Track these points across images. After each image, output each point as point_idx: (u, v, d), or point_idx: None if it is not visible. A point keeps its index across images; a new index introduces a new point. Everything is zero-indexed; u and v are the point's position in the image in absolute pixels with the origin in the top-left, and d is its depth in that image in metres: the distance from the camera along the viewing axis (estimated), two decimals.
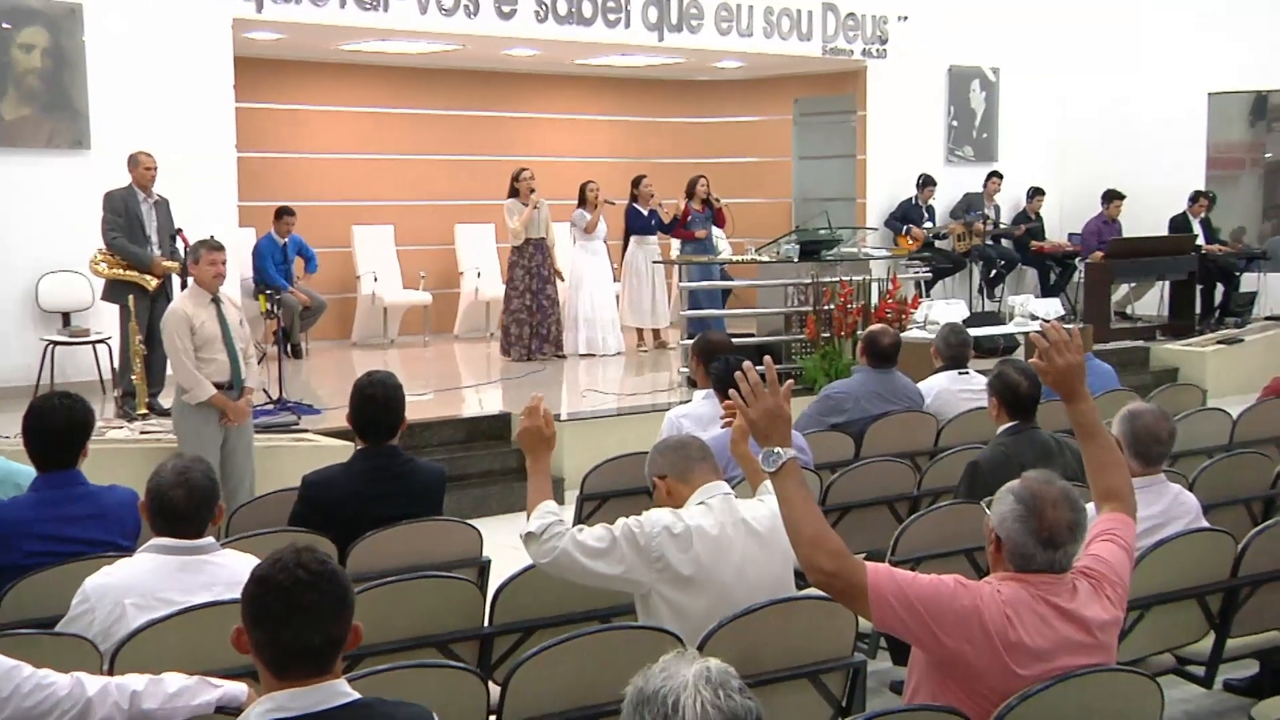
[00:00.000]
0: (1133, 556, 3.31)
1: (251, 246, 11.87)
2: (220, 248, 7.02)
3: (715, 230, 12.48)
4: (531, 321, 11.73)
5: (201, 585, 3.61)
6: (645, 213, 12.43)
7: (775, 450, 3.09)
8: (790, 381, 3.27)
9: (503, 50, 12.88)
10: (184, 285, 8.46)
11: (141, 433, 7.87)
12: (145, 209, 8.82)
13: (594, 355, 12.03)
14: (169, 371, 8.75)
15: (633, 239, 12.52)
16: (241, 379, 6.99)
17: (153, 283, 8.67)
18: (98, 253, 8.83)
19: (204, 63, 10.44)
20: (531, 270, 11.73)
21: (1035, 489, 3.07)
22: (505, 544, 4.84)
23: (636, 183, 12.50)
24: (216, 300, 6.96)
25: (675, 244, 12.57)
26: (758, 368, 3.18)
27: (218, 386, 6.88)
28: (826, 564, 2.99)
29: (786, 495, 3.08)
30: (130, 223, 8.74)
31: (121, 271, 8.70)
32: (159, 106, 10.10)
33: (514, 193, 11.67)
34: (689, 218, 12.21)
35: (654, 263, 12.29)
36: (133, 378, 8.49)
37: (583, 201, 12.11)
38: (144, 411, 8.33)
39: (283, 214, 12.02)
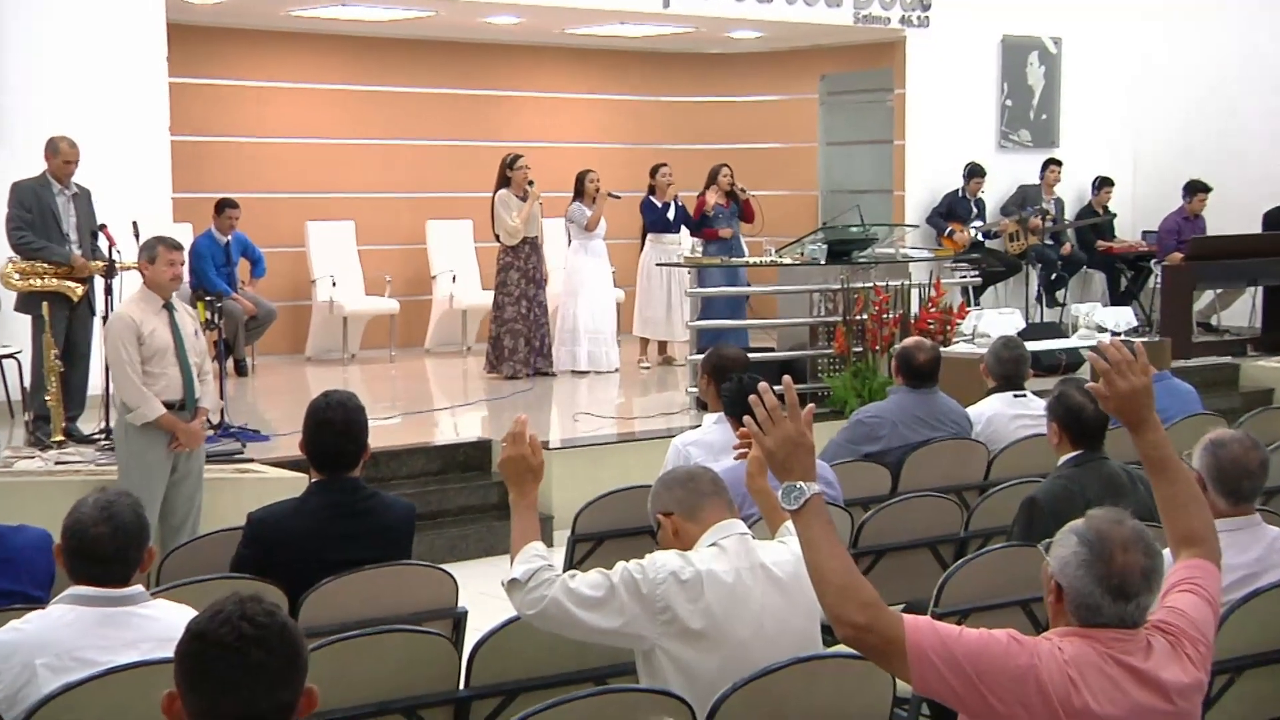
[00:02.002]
0: (1218, 610, 3.31)
1: (188, 245, 11.89)
2: (179, 246, 7.09)
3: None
4: (526, 333, 11.73)
5: (127, 642, 3.61)
6: (661, 205, 12.41)
7: (797, 485, 3.10)
8: (812, 406, 3.28)
9: (482, 17, 12.93)
10: (108, 290, 8.49)
11: (56, 463, 7.84)
12: (62, 202, 8.80)
13: (589, 372, 12.01)
14: (90, 392, 8.79)
15: (649, 238, 12.52)
16: (195, 397, 7.01)
17: (78, 291, 8.66)
18: (8, 264, 8.80)
19: (132, 31, 10.46)
20: (528, 274, 11.72)
21: (1102, 529, 3.07)
22: (485, 592, 4.85)
23: (654, 171, 12.46)
24: (169, 306, 6.99)
25: (688, 243, 12.52)
26: (776, 388, 3.19)
27: (168, 406, 6.89)
28: (858, 616, 2.99)
29: (810, 537, 3.08)
30: (43, 219, 8.71)
31: (39, 282, 8.67)
32: (79, 82, 10.11)
33: (504, 183, 11.66)
34: (713, 213, 12.16)
35: (658, 264, 12.26)
36: (46, 399, 8.47)
37: (580, 194, 12.07)
38: (60, 439, 8.31)
39: (224, 207, 12.04)
